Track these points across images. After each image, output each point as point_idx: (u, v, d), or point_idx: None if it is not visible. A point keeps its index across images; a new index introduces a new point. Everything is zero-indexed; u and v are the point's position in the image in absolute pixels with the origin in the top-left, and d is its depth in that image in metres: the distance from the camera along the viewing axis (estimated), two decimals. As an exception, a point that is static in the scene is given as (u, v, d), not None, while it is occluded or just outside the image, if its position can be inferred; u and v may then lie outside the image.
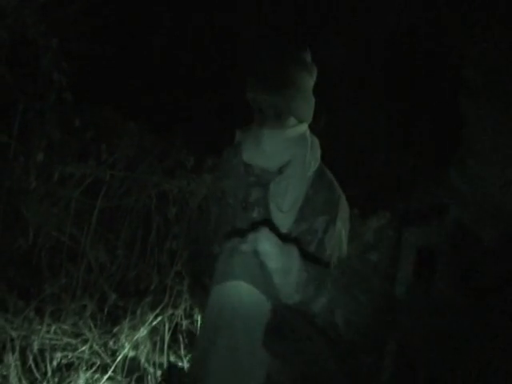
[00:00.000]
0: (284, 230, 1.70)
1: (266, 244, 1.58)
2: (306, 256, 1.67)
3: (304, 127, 1.74)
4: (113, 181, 3.34)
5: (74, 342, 3.17)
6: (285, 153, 1.71)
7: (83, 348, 3.18)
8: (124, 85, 4.27)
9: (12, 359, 2.86)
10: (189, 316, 3.58)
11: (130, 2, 4.72)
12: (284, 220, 1.71)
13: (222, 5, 4.86)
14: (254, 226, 1.65)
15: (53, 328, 3.09)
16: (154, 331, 3.36)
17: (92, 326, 3.20)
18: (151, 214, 3.39)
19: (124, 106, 3.85)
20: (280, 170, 1.72)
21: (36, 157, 3.22)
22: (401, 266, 1.49)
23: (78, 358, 3.17)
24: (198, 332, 3.26)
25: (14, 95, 3.27)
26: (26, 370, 2.95)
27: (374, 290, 1.53)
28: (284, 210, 1.68)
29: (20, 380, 2.87)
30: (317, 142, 1.80)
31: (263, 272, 1.62)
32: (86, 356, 3.17)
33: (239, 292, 1.68)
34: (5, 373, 2.87)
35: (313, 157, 1.74)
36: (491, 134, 1.62)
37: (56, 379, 3.04)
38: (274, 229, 1.65)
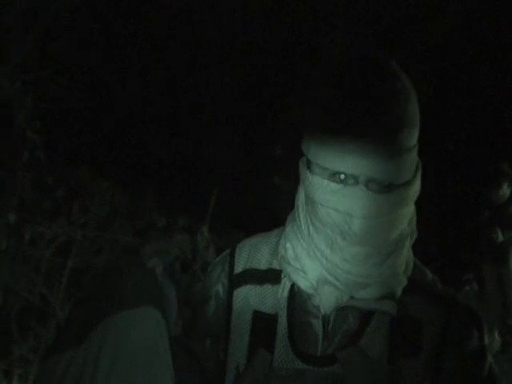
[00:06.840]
0: None
1: None
2: None
3: None
4: (84, 240, 3.34)
5: (41, 405, 3.10)
6: None
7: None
8: (97, 145, 4.32)
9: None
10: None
11: (103, 63, 4.82)
12: None
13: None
14: None
15: (20, 392, 3.03)
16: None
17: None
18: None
19: (97, 165, 3.89)
20: None
21: (8, 217, 3.22)
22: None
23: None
24: None
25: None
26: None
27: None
28: None
29: None
30: None
31: None
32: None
33: None
34: None
35: None
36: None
37: None
38: None
